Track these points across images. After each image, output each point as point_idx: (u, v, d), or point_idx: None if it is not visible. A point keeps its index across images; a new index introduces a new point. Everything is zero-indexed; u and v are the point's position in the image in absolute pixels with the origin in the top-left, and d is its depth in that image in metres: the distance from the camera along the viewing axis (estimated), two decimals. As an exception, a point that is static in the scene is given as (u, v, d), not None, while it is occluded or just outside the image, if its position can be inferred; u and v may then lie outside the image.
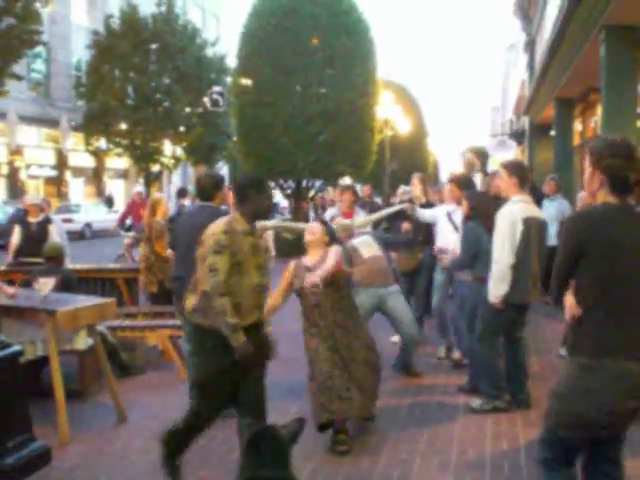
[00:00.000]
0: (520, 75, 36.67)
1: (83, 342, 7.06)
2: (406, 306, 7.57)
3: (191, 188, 34.55)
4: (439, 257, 7.99)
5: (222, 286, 4.48)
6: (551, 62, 15.28)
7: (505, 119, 52.63)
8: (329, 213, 10.08)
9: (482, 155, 55.18)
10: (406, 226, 8.93)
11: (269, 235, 18.54)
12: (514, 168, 6.48)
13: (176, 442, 4.88)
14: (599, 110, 13.00)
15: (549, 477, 3.73)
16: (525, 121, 28.29)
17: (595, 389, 3.42)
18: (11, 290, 6.68)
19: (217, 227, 4.63)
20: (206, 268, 4.52)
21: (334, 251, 5.87)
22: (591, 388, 3.43)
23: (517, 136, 36.53)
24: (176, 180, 47.21)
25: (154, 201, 9.83)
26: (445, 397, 6.98)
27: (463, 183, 7.95)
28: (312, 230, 6.13)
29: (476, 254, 6.80)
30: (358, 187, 21.39)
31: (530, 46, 26.97)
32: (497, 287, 6.18)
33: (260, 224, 6.91)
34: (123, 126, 35.80)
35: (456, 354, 8.19)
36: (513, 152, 43.73)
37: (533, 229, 6.27)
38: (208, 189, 6.44)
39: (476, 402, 6.58)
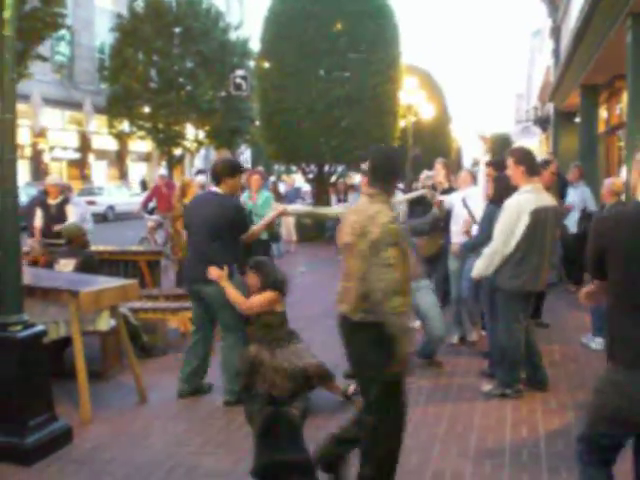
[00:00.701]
0: (545, 61, 36.30)
1: (105, 323, 7.09)
2: (436, 304, 7.47)
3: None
4: (451, 244, 8.03)
5: (397, 283, 4.02)
6: (577, 49, 15.12)
7: (530, 106, 52.17)
8: (352, 198, 10.13)
9: (505, 141, 54.87)
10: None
11: (290, 220, 18.63)
12: (520, 156, 6.37)
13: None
14: (625, 97, 12.85)
15: (586, 474, 3.68)
16: (550, 108, 28.05)
17: (630, 389, 3.38)
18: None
19: (384, 217, 4.08)
20: (379, 263, 4.03)
21: None
22: (626, 386, 3.40)
23: (542, 123, 36.22)
24: (198, 164, 47.30)
25: (184, 183, 9.98)
26: (465, 383, 6.96)
27: (500, 166, 7.85)
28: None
29: (490, 236, 6.75)
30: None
31: (556, 32, 26.68)
32: (483, 268, 6.24)
33: (279, 208, 6.92)
34: (146, 109, 35.87)
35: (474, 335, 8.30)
36: (537, 139, 43.43)
37: (544, 219, 6.21)
38: (218, 174, 6.45)
39: (487, 386, 6.58)
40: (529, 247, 6.17)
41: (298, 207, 8.28)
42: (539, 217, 6.16)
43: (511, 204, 6.20)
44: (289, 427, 3.24)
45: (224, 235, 6.29)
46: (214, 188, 6.51)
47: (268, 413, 3.28)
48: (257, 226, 6.82)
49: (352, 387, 6.14)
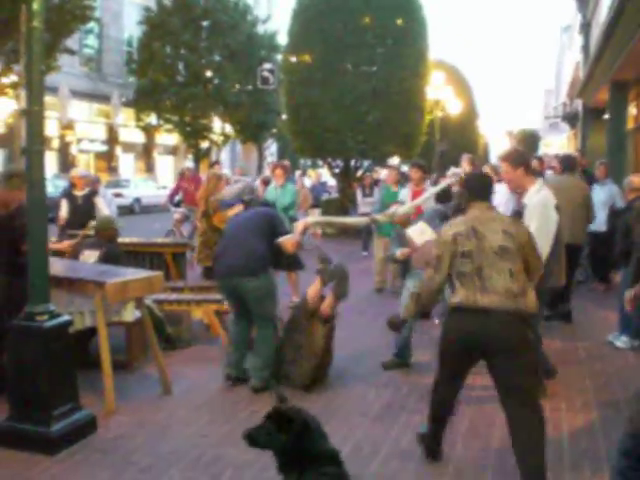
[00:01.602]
0: (575, 57, 36.06)
1: (131, 314, 7.16)
2: None
3: (241, 164, 34.72)
4: None
5: None
6: (606, 44, 14.98)
7: (558, 102, 51.85)
8: (403, 193, 10.11)
9: (533, 138, 54.53)
10: None
11: (316, 212, 18.65)
12: (515, 158, 6.07)
13: None
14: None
15: None
16: (579, 104, 27.85)
17: None
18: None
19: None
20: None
21: None
22: None
23: (570, 119, 35.98)
24: (225, 157, 47.43)
25: (218, 177, 10.07)
26: (489, 380, 6.90)
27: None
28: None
29: None
30: (406, 168, 21.30)
31: (585, 28, 26.47)
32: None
33: (301, 224, 7.01)
34: (173, 102, 36.00)
35: None
36: (565, 135, 43.12)
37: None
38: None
39: None
40: (556, 243, 6.09)
41: (319, 218, 8.30)
42: (558, 212, 6.10)
43: (540, 201, 5.95)
44: (313, 423, 3.26)
45: (265, 235, 6.60)
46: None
47: (297, 413, 3.31)
48: (292, 239, 6.81)
49: None
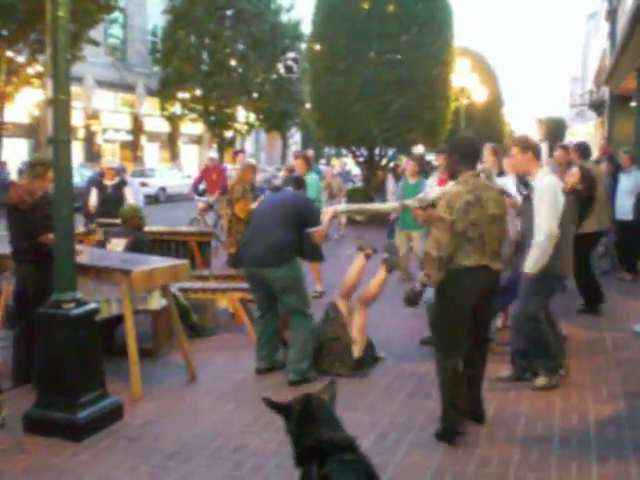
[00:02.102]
0: (601, 44, 35.66)
1: (156, 302, 7.20)
2: None
3: (262, 154, 34.73)
4: None
5: None
6: (633, 31, 14.80)
7: (585, 89, 51.37)
8: (430, 181, 10.04)
9: (560, 126, 54.08)
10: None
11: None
12: (525, 143, 6.30)
13: None
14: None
15: None
16: (605, 92, 27.56)
17: None
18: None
19: None
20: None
21: None
22: None
23: (597, 107, 35.62)
24: (249, 146, 47.49)
25: (248, 166, 10.24)
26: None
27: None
28: None
29: None
30: (431, 156, 21.18)
31: (612, 15, 26.18)
32: (541, 259, 6.00)
33: (330, 210, 6.97)
34: (197, 92, 36.08)
35: None
36: (592, 123, 42.71)
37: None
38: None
39: (540, 381, 6.37)
40: (565, 228, 6.09)
41: (349, 206, 8.25)
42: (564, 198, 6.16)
43: (547, 185, 6.06)
44: (325, 410, 3.25)
45: (292, 224, 6.52)
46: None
47: (301, 400, 3.31)
48: (321, 227, 6.80)
49: None
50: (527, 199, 6.28)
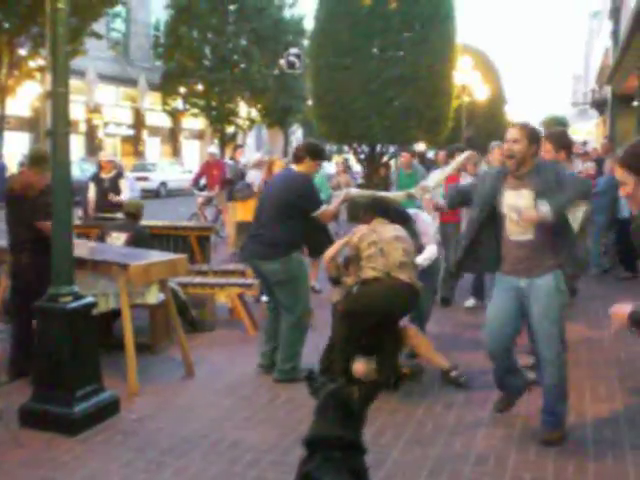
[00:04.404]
0: (604, 43, 35.61)
1: (154, 297, 7.18)
2: None
3: (260, 152, 34.74)
4: None
5: None
6: (636, 30, 14.76)
7: (587, 88, 51.35)
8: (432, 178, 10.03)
9: (561, 124, 53.99)
10: None
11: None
12: (560, 140, 6.25)
13: None
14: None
15: None
16: (607, 91, 27.53)
17: None
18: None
19: None
20: None
21: None
22: None
23: (599, 106, 35.62)
24: (250, 142, 47.45)
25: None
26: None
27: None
28: None
29: None
30: (431, 153, 21.14)
31: (615, 13, 26.14)
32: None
33: (343, 194, 6.92)
34: (200, 87, 36.05)
35: None
36: (594, 122, 42.70)
37: None
38: (300, 153, 6.54)
39: (532, 375, 6.35)
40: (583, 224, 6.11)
41: (361, 191, 8.22)
42: None
43: None
44: (345, 406, 3.25)
45: (293, 212, 6.29)
46: (292, 166, 6.61)
47: (327, 390, 3.32)
48: (331, 206, 6.74)
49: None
50: None
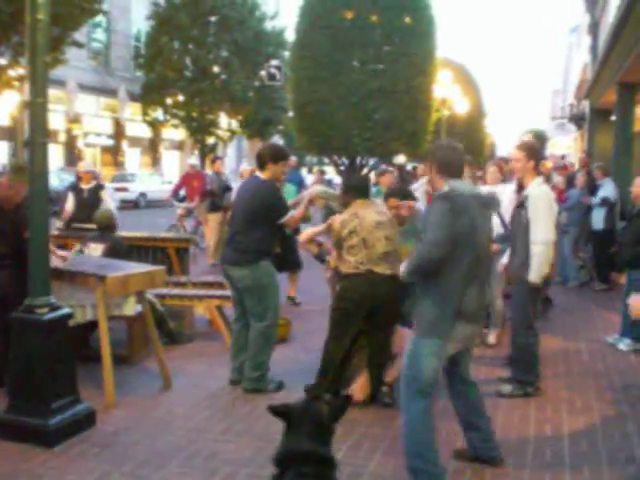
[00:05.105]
0: (582, 58, 35.97)
1: (132, 308, 7.13)
2: None
3: (245, 163, 34.71)
4: None
5: None
6: (614, 45, 14.91)
7: (566, 102, 51.73)
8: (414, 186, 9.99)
9: (540, 138, 54.39)
10: None
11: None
12: (531, 150, 6.39)
13: None
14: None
15: None
16: (586, 105, 27.76)
17: None
18: (62, 253, 6.83)
19: None
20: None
21: None
22: None
23: (577, 120, 35.91)
24: (231, 153, 47.41)
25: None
26: (489, 378, 6.87)
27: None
28: None
29: None
30: (410, 166, 21.22)
31: (594, 28, 26.37)
32: (543, 267, 6.06)
33: (308, 194, 6.92)
34: (180, 98, 36.01)
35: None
36: (573, 136, 43.05)
37: None
38: (262, 159, 6.46)
39: (507, 388, 6.42)
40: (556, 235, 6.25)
41: (327, 189, 8.20)
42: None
43: (542, 194, 6.20)
44: (315, 420, 3.24)
45: (259, 220, 6.27)
46: (257, 173, 6.52)
47: (297, 405, 3.30)
48: (296, 211, 6.70)
49: None
50: (519, 207, 6.32)
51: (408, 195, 6.85)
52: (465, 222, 4.20)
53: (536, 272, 6.07)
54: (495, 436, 4.90)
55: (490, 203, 4.63)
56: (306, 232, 6.66)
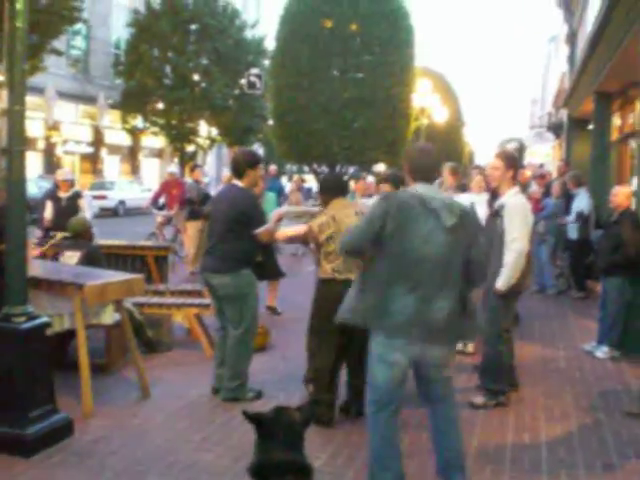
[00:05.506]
0: (560, 67, 36.23)
1: (110, 317, 7.10)
2: None
3: (226, 169, 34.69)
4: None
5: None
6: (592, 55, 15.05)
7: (544, 111, 52.10)
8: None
9: (519, 147, 54.70)
10: None
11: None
12: (510, 160, 6.41)
13: None
14: (638, 105, 12.80)
15: None
16: (564, 114, 27.96)
17: None
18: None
19: None
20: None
21: None
22: None
23: (555, 129, 36.15)
24: (211, 161, 47.33)
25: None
26: (468, 386, 6.90)
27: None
28: None
29: None
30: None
31: (571, 38, 26.59)
32: (512, 276, 6.09)
33: (276, 214, 6.88)
34: (160, 105, 35.95)
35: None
36: (550, 145, 43.34)
37: None
38: (239, 166, 6.42)
39: (479, 398, 6.41)
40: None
41: (294, 208, 8.23)
42: None
43: (519, 204, 6.24)
44: (288, 427, 3.22)
45: (240, 229, 6.24)
46: (235, 181, 6.47)
47: (268, 412, 3.28)
48: (267, 227, 6.67)
49: None
50: (494, 216, 6.35)
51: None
52: (394, 225, 4.16)
53: (504, 280, 6.10)
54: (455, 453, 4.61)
55: (441, 212, 4.26)
56: (284, 232, 6.59)
